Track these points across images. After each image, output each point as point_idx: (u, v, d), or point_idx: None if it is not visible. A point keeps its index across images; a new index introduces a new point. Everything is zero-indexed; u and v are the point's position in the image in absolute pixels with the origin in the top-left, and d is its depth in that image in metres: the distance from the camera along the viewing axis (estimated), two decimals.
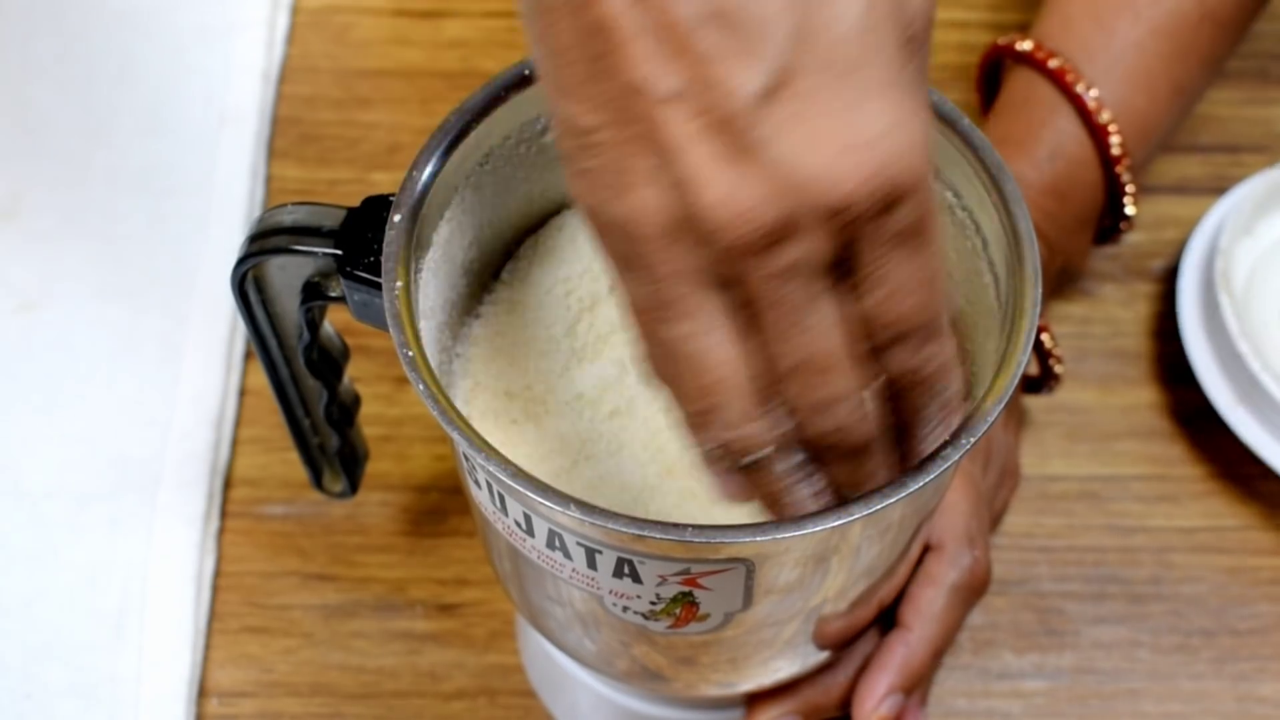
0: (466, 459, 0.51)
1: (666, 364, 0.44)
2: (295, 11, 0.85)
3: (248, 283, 0.56)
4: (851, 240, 0.43)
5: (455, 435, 0.48)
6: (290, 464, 0.72)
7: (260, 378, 0.74)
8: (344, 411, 0.62)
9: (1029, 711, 0.69)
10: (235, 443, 0.74)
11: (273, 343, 0.58)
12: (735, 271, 0.42)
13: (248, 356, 0.75)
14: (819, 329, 0.43)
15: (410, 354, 0.49)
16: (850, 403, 0.45)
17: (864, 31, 0.41)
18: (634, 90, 0.41)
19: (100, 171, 0.79)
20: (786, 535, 0.46)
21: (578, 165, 0.43)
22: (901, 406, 0.47)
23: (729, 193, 0.41)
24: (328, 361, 0.59)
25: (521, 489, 0.47)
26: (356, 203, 0.53)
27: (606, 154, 0.42)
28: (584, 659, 0.59)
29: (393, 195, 0.52)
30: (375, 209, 0.53)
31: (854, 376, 0.45)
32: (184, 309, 0.76)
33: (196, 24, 0.84)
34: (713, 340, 0.43)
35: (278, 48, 0.84)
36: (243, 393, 0.75)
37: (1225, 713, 0.69)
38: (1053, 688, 0.69)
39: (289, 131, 0.82)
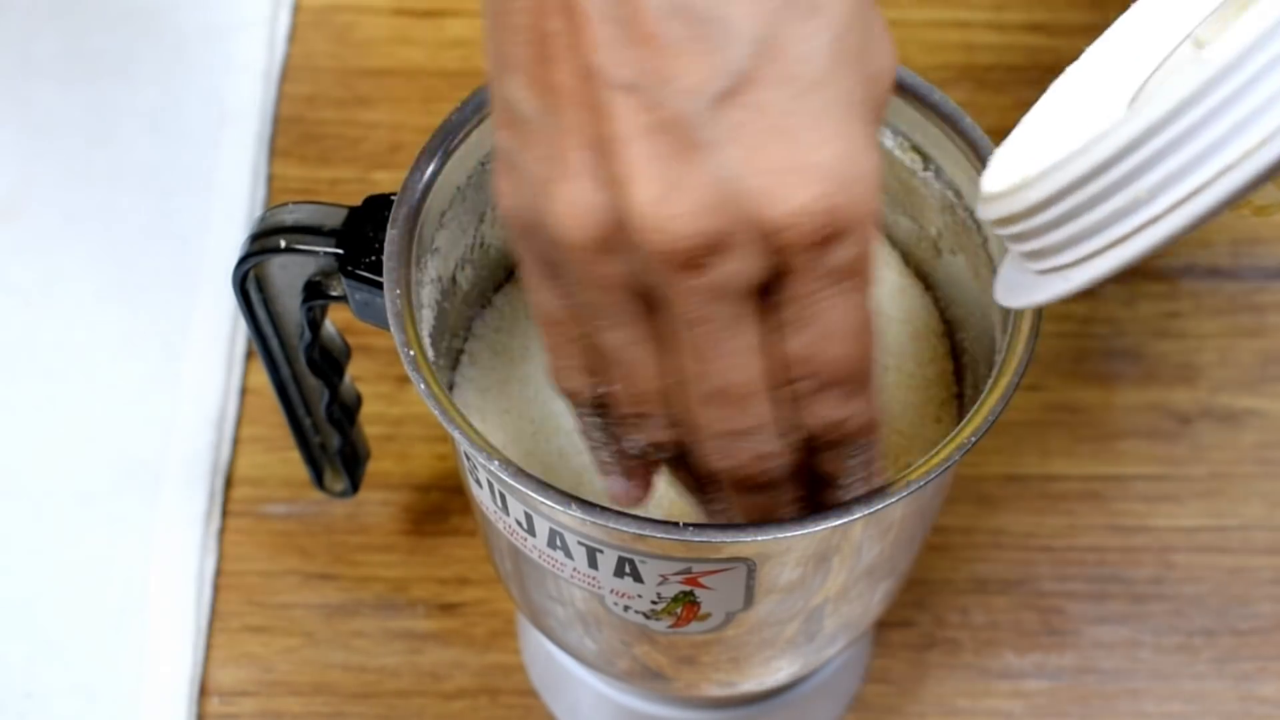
0: (467, 458, 0.51)
1: (598, 370, 0.43)
2: (297, 10, 0.85)
3: (249, 282, 0.56)
4: (785, 270, 0.40)
5: (456, 434, 0.48)
6: (291, 463, 0.72)
7: (261, 377, 0.74)
8: (345, 411, 0.62)
9: (1030, 711, 0.69)
10: (236, 442, 0.74)
11: (274, 342, 0.58)
12: (659, 281, 0.40)
13: (249, 356, 0.75)
14: (738, 356, 0.41)
15: (412, 353, 0.49)
16: (758, 439, 0.43)
17: (829, 57, 0.39)
18: (586, 74, 0.39)
19: (101, 171, 0.79)
20: (788, 535, 0.46)
21: (510, 159, 0.41)
22: (820, 460, 0.45)
23: (663, 195, 0.39)
24: (329, 361, 0.59)
25: (523, 488, 0.47)
26: (358, 202, 0.53)
27: (544, 142, 0.40)
28: (585, 658, 0.59)
29: (394, 194, 0.52)
30: (376, 208, 0.53)
31: (767, 413, 0.43)
32: (184, 309, 0.76)
33: (198, 23, 0.84)
34: (648, 350, 0.42)
35: (279, 47, 0.84)
36: (244, 392, 0.75)
37: (1227, 713, 0.69)
38: (1054, 687, 0.69)
39: (290, 131, 0.82)
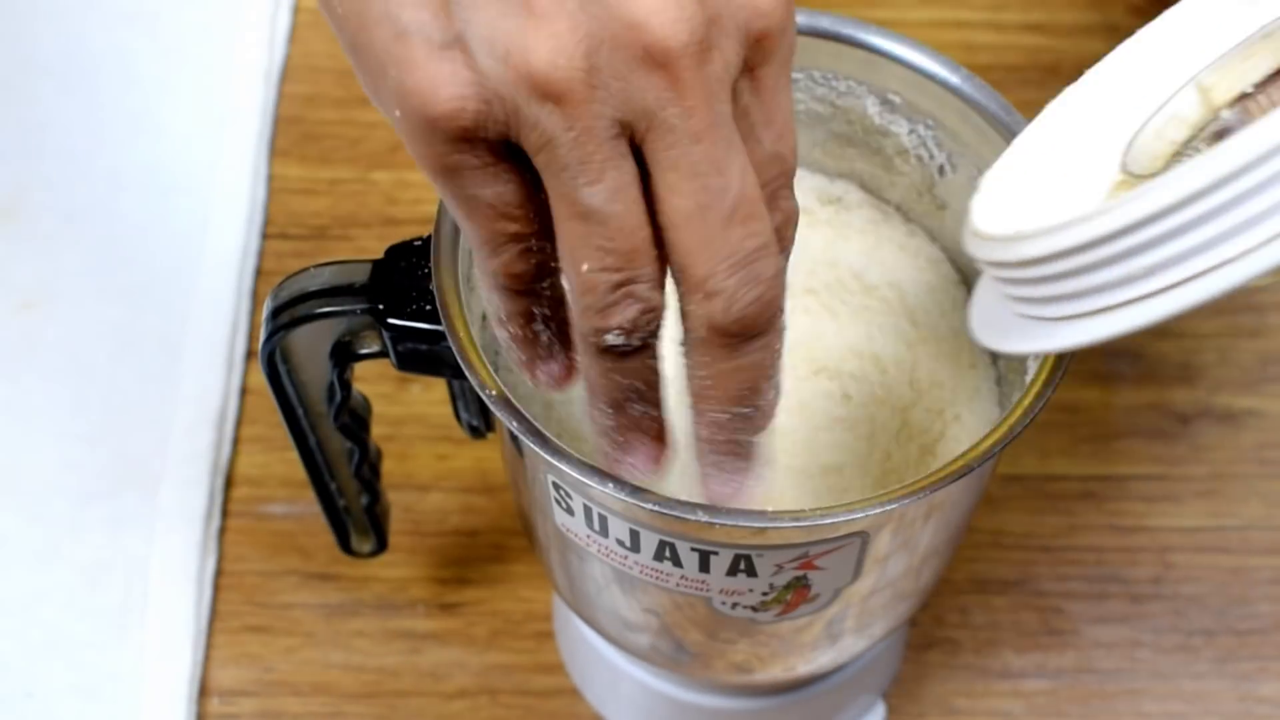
0: (556, 488, 0.50)
1: (583, 236, 0.38)
2: (297, 10, 0.85)
3: (276, 357, 0.54)
4: (757, 61, 0.38)
5: (566, 467, 0.47)
6: (291, 463, 0.72)
7: (260, 377, 0.74)
8: (372, 468, 0.61)
9: (1030, 711, 0.69)
10: (236, 441, 0.74)
11: (299, 411, 0.57)
12: (652, 102, 0.37)
13: (249, 356, 0.75)
14: (741, 159, 0.38)
15: (492, 394, 0.48)
16: (771, 258, 0.39)
17: None
18: None
19: (101, 171, 0.79)
20: (906, 503, 0.46)
21: (438, 42, 0.37)
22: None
23: (660, 4, 0.36)
24: (356, 419, 0.58)
25: (643, 504, 0.46)
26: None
27: (493, 4, 0.37)
28: (656, 661, 0.58)
29: (415, 240, 0.52)
30: (399, 256, 0.52)
31: (769, 224, 0.38)
32: (184, 309, 0.76)
33: (198, 23, 0.84)
34: (637, 195, 0.38)
35: (279, 47, 0.84)
36: (244, 392, 0.75)
37: (1226, 713, 0.69)
38: (1054, 687, 0.69)
39: (290, 130, 0.82)
